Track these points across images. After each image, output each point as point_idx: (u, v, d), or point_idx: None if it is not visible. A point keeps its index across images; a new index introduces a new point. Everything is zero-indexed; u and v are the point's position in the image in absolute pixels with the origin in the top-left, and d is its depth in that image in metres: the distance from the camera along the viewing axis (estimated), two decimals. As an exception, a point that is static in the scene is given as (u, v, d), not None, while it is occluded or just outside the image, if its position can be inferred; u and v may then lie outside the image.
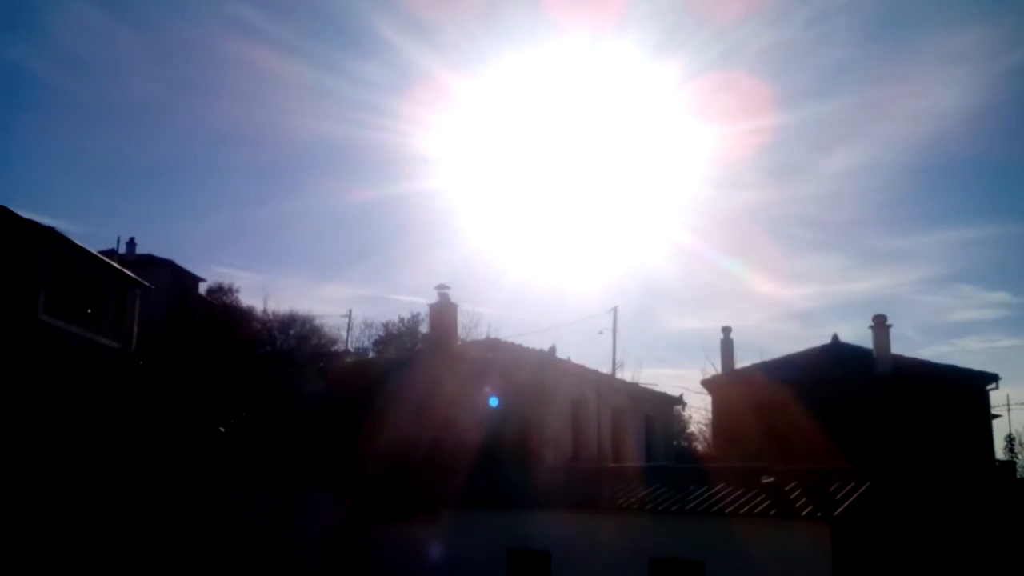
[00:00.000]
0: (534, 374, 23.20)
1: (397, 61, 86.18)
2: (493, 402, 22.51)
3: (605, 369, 33.86)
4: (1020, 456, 39.70)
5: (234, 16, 76.12)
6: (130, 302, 42.63)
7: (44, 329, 34.88)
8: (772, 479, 16.80)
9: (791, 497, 15.69)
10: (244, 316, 56.89)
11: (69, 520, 21.00)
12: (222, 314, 54.97)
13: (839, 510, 14.74)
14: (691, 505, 16.26)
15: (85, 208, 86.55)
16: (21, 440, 22.62)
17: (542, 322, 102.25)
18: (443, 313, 26.84)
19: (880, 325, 29.02)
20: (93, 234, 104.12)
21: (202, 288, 56.65)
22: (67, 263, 37.38)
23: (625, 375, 40.79)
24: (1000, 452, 37.07)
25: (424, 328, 41.34)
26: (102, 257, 41.20)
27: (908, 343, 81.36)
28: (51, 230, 36.39)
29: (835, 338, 32.81)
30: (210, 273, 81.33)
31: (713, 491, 16.70)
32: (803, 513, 14.91)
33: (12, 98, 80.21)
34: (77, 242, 38.40)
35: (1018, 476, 32.60)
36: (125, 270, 42.80)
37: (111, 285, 41.04)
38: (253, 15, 75.37)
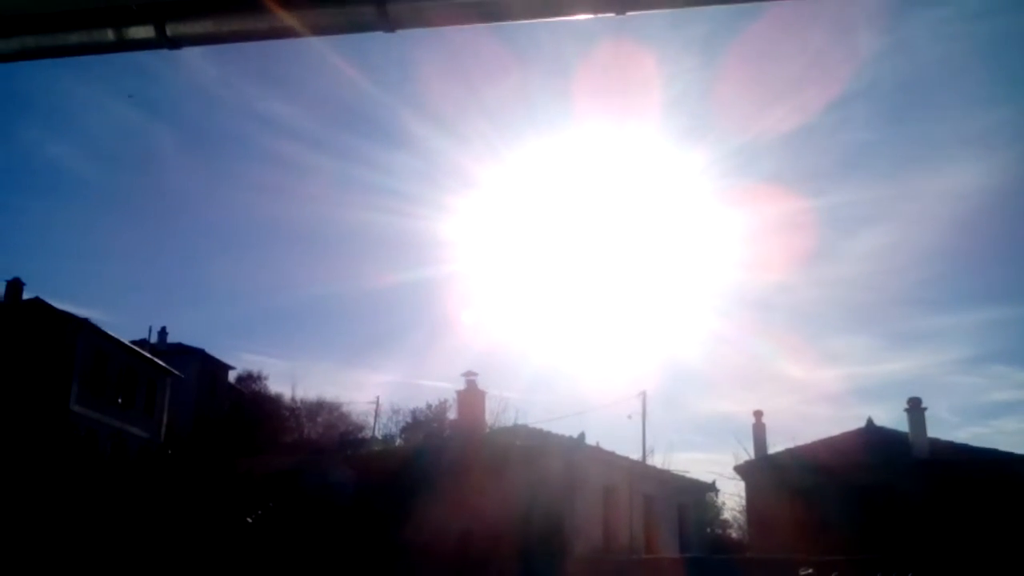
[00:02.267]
0: (563, 461, 22.95)
1: (422, 150, 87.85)
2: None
3: (635, 455, 33.49)
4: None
5: (264, 112, 78.41)
6: (160, 391, 42.98)
7: (75, 420, 35.16)
8: (810, 571, 16.37)
9: (830, 589, 15.26)
10: (272, 403, 57.05)
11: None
12: (251, 402, 55.16)
13: (881, 603, 14.30)
14: (727, 598, 15.86)
15: (118, 299, 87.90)
16: (50, 531, 22.60)
17: (569, 406, 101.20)
18: (471, 399, 26.79)
19: (915, 408, 28.52)
20: (126, 324, 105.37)
21: (231, 376, 57.01)
22: (99, 353, 37.89)
23: (655, 461, 40.19)
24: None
25: (452, 414, 41.21)
26: (133, 347, 41.74)
27: (943, 425, 79.51)
28: (85, 321, 37.02)
29: (869, 421, 32.23)
30: (239, 360, 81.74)
31: (749, 583, 16.29)
32: (843, 606, 14.48)
33: (47, 193, 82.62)
34: (109, 332, 39.00)
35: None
36: (156, 359, 43.28)
37: (142, 374, 41.46)
38: (284, 111, 77.66)
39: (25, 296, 39.24)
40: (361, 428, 54.20)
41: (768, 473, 29.98)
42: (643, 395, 39.30)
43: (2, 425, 31.22)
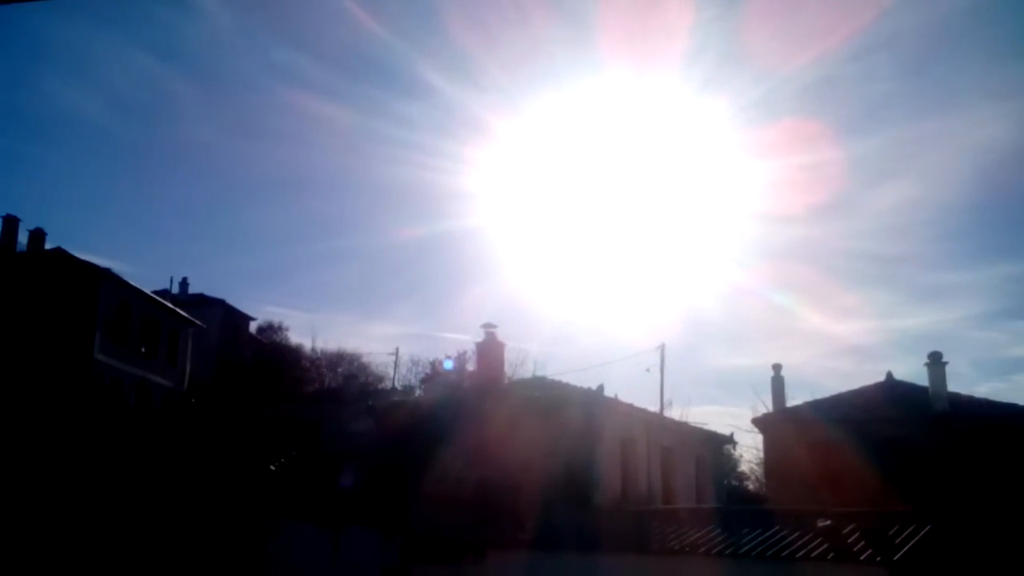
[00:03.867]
0: (582, 413, 23.04)
1: (440, 102, 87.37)
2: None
3: (653, 407, 33.55)
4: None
5: (281, 62, 77.97)
6: (183, 341, 43.40)
7: (99, 368, 35.59)
8: (829, 521, 16.39)
9: (849, 540, 15.29)
10: (293, 354, 57.58)
11: (120, 558, 21.21)
12: (272, 352, 55.66)
13: (899, 554, 14.33)
14: (745, 548, 15.92)
15: (139, 249, 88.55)
16: (76, 478, 22.99)
17: (588, 359, 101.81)
18: (490, 351, 26.87)
19: (936, 362, 28.38)
20: (147, 275, 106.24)
21: (252, 327, 57.48)
22: (122, 303, 38.22)
23: (674, 413, 40.31)
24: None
25: (471, 366, 41.39)
26: (156, 297, 42.09)
27: (963, 380, 79.41)
28: (107, 271, 37.31)
29: (889, 375, 32.14)
30: (260, 312, 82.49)
31: (768, 534, 16.33)
32: (862, 557, 14.52)
33: (67, 143, 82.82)
34: (131, 282, 39.28)
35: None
36: (178, 309, 43.63)
37: (164, 324, 41.84)
38: (300, 60, 77.16)
39: (47, 246, 39.56)
40: (381, 379, 54.74)
41: (787, 426, 30.01)
42: (662, 348, 39.29)
43: (28, 372, 31.65)
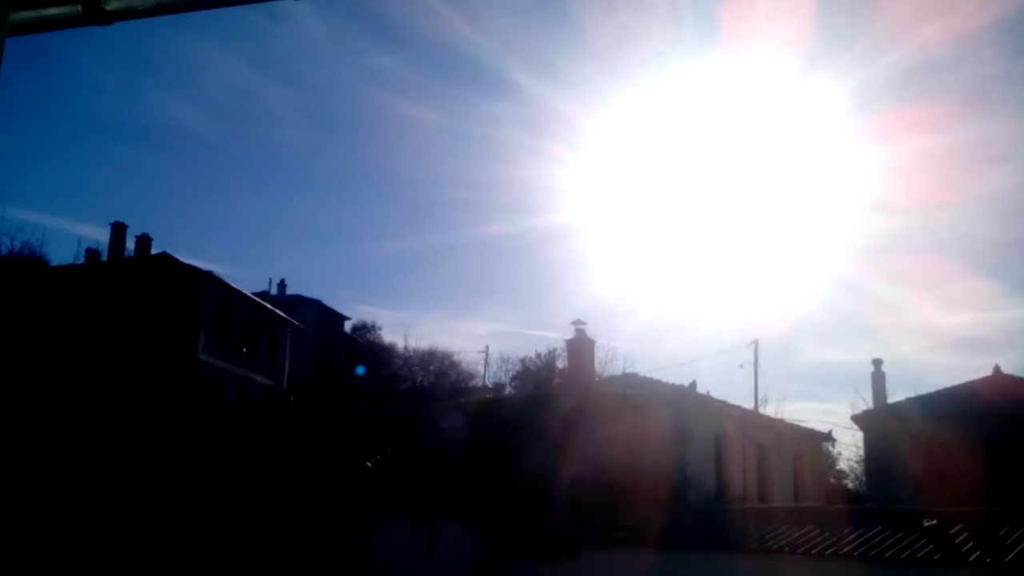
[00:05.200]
0: (672, 410, 22.86)
1: (526, 99, 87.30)
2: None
3: (748, 404, 32.98)
4: None
5: (372, 65, 79.38)
6: (281, 340, 44.69)
7: (203, 368, 36.95)
8: (935, 522, 15.86)
9: (956, 542, 14.77)
10: (386, 352, 58.63)
11: (224, 550, 21.99)
12: (366, 351, 56.81)
13: (1010, 556, 13.77)
14: (847, 549, 15.54)
15: (239, 252, 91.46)
16: (182, 477, 23.94)
17: (679, 356, 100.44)
18: (580, 349, 26.88)
19: (1048, 356, 27.14)
20: (247, 276, 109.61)
21: (347, 326, 58.77)
22: (224, 304, 39.59)
23: (769, 410, 39.53)
24: None
25: (561, 363, 41.45)
26: (256, 298, 43.42)
27: (1076, 373, 75.26)
28: (209, 274, 38.69)
29: (996, 369, 30.85)
30: (354, 311, 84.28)
31: (870, 534, 15.90)
32: (970, 559, 14.01)
33: (170, 151, 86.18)
34: (233, 284, 40.64)
35: None
36: (277, 310, 44.93)
37: (264, 324, 43.15)
38: (389, 63, 78.44)
39: (153, 251, 41.27)
40: (471, 377, 55.26)
41: (888, 422, 29.11)
42: (755, 343, 38.59)
43: (136, 373, 33.09)
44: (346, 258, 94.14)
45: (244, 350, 41.09)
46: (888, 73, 66.17)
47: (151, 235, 42.27)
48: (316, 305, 53.39)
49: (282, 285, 54.41)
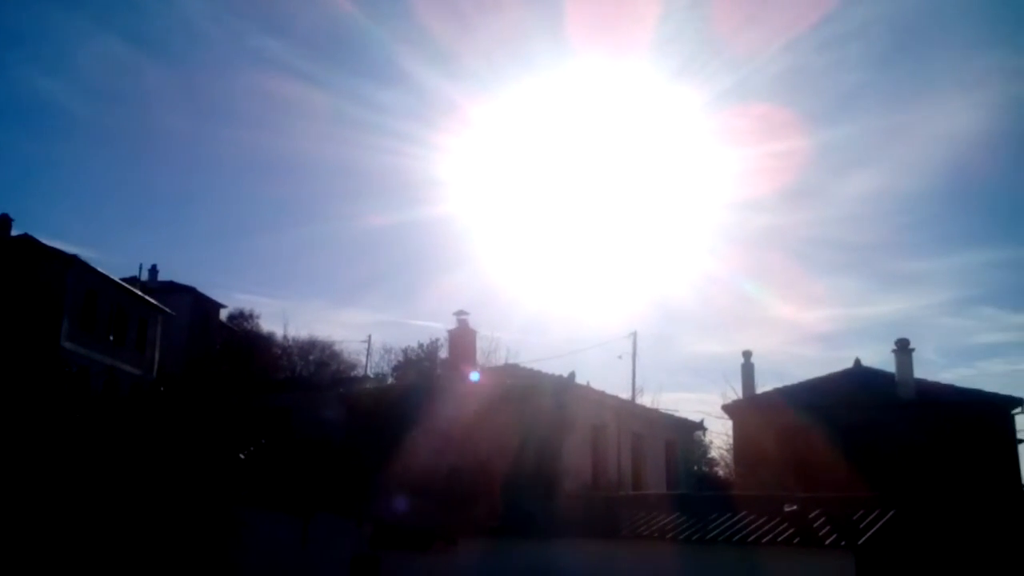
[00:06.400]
0: (553, 400, 23.09)
1: (415, 88, 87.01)
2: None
3: (625, 395, 33.72)
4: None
5: (256, 48, 77.21)
6: (152, 329, 42.96)
7: (66, 356, 35.16)
8: (795, 507, 16.59)
9: (815, 525, 15.49)
10: (264, 342, 57.20)
11: (87, 546, 21.02)
12: (243, 340, 55.26)
13: (863, 538, 14.53)
14: (713, 534, 16.08)
15: (109, 236, 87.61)
16: (40, 467, 22.73)
17: (560, 347, 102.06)
18: (462, 339, 26.84)
19: (903, 349, 28.74)
20: (116, 262, 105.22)
21: (223, 314, 57.04)
22: (89, 290, 37.75)
23: (645, 400, 40.60)
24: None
25: (443, 353, 41.34)
26: (124, 284, 41.60)
27: (930, 366, 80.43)
28: (74, 257, 36.80)
29: (857, 362, 32.50)
30: (231, 299, 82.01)
31: (736, 519, 16.51)
32: (827, 542, 14.71)
33: (37, 129, 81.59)
34: (100, 269, 38.80)
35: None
36: (147, 297, 43.17)
37: (133, 312, 41.38)
38: (275, 46, 76.45)
39: (14, 232, 38.94)
40: (353, 367, 54.47)
41: (756, 412, 30.29)
42: (634, 335, 39.52)
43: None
44: (224, 245, 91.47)
45: (111, 338, 39.31)
46: (758, 77, 68.80)
47: (12, 216, 39.84)
48: (190, 292, 51.58)
49: (154, 271, 52.26)
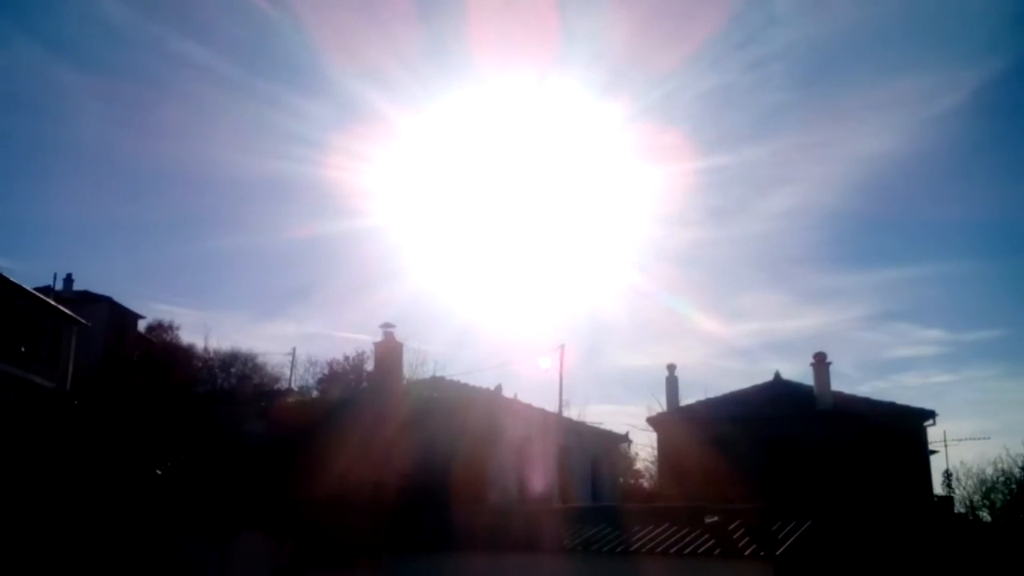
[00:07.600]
0: (479, 413, 23.04)
1: (341, 98, 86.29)
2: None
3: (552, 408, 33.79)
4: (957, 491, 40.54)
5: (177, 53, 75.60)
6: (66, 340, 41.52)
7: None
8: (716, 518, 16.83)
9: (734, 536, 15.73)
10: (184, 354, 55.80)
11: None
12: (161, 352, 53.85)
13: (781, 549, 14.80)
14: (636, 545, 16.19)
15: (20, 245, 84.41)
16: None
17: (489, 360, 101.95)
18: (388, 352, 26.57)
19: (820, 363, 29.52)
20: (29, 271, 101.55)
21: (141, 325, 55.54)
22: (-1, 300, 36.35)
23: (571, 413, 40.75)
24: (938, 487, 37.82)
25: (369, 366, 40.92)
26: (36, 294, 40.18)
27: (847, 379, 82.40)
28: (-18, 266, 35.39)
29: (777, 375, 33.28)
30: (149, 310, 79.69)
31: (658, 531, 16.66)
32: (746, 553, 14.94)
33: (-54, 130, 78.30)
34: (11, 278, 37.39)
35: (955, 511, 33.18)
36: (60, 307, 41.75)
37: (46, 323, 39.97)
38: (196, 52, 74.95)
39: (-83, 239, 37.28)
40: (277, 380, 53.53)
41: (680, 424, 30.75)
42: (561, 348, 39.66)
43: None
44: (143, 254, 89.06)
45: (23, 349, 37.87)
46: (686, 94, 70.19)
47: (-86, 222, 38.21)
48: (106, 302, 50.06)
49: (69, 280, 50.55)
